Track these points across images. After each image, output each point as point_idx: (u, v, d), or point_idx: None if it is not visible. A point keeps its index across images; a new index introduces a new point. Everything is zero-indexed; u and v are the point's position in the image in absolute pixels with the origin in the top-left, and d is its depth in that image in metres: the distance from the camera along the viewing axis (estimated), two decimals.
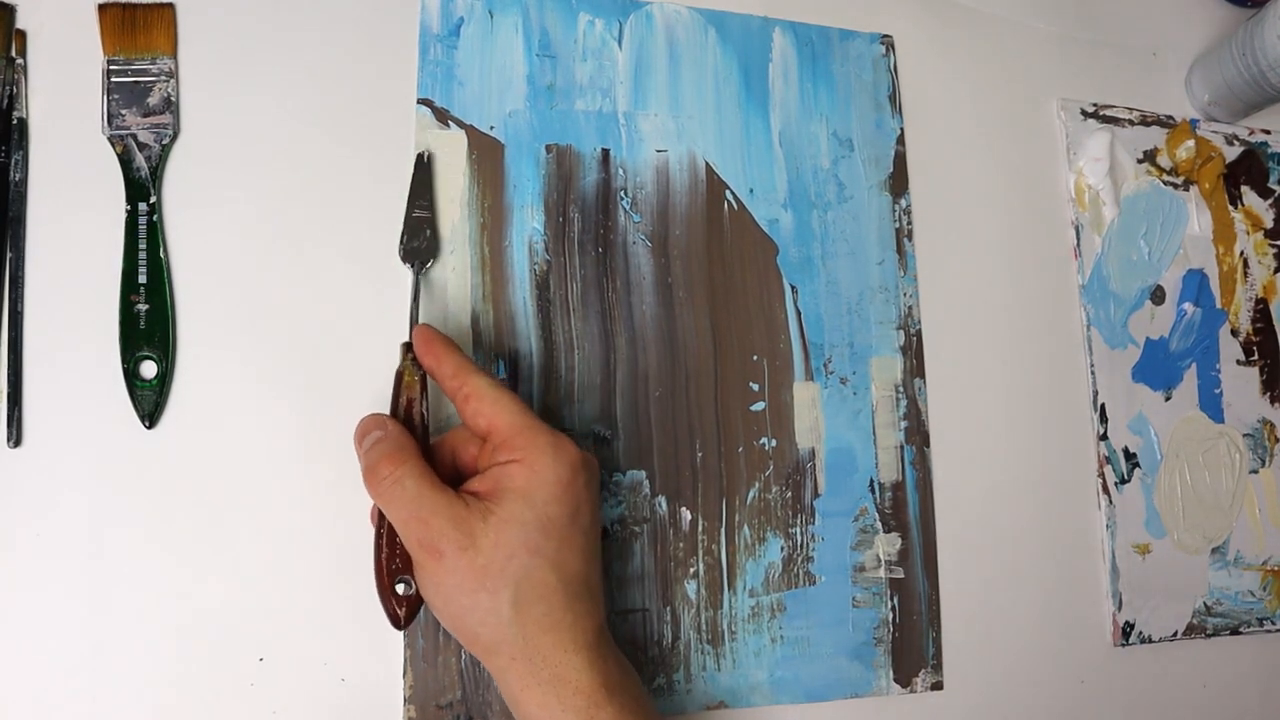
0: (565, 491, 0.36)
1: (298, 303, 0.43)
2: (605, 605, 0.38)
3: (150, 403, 0.41)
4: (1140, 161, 0.58)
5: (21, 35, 0.42)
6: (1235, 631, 0.55)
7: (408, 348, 0.40)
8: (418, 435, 0.39)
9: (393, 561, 0.37)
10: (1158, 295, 0.57)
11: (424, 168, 0.45)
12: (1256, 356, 0.58)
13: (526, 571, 0.35)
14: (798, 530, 0.48)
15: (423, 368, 0.40)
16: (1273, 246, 0.60)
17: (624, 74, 0.50)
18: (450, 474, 0.39)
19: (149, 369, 0.41)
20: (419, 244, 0.44)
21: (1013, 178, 0.56)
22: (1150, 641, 0.53)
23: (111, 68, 0.43)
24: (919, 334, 0.52)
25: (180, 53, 0.44)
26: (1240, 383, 0.58)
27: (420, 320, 0.42)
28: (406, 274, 0.44)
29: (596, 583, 0.37)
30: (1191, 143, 0.59)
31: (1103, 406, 0.54)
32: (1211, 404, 0.57)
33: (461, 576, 0.34)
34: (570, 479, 0.36)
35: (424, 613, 0.42)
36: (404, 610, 0.38)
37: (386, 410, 0.40)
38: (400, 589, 0.37)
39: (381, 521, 0.38)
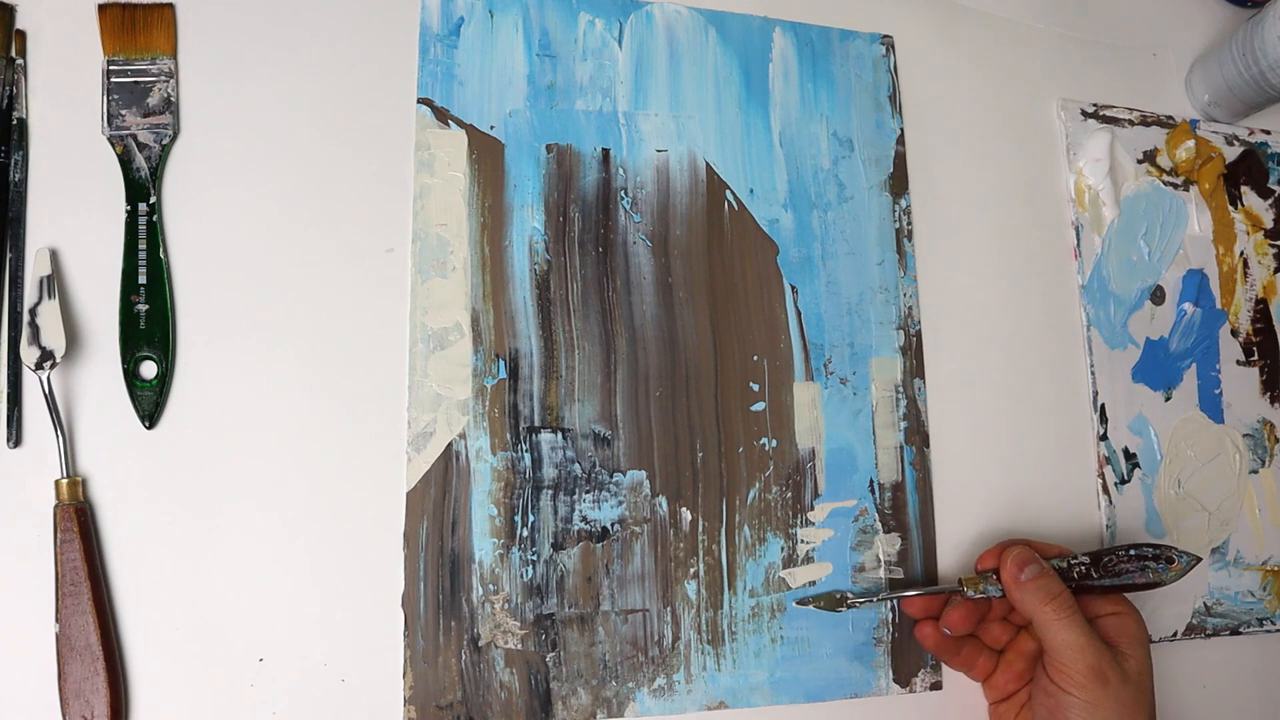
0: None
1: (298, 302, 0.43)
2: None
3: (150, 403, 0.41)
4: (1140, 162, 0.58)
5: (21, 35, 0.42)
6: (1235, 631, 0.54)
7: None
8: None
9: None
10: (1158, 295, 0.57)
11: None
12: (1256, 356, 0.58)
13: (1149, 712, 0.43)
14: (798, 530, 0.48)
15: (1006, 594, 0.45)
16: (1273, 246, 0.60)
17: (624, 74, 0.50)
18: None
19: (149, 369, 0.41)
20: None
21: (1013, 178, 0.56)
22: (1150, 642, 0.53)
23: (111, 68, 0.43)
24: (919, 334, 0.52)
25: (180, 53, 0.44)
26: (1240, 383, 0.58)
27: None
28: (405, 274, 0.44)
29: None
30: (1191, 143, 0.59)
31: (1103, 407, 0.54)
32: (1211, 404, 0.57)
33: (1121, 703, 0.42)
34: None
35: (424, 611, 0.42)
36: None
37: None
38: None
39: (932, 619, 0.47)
